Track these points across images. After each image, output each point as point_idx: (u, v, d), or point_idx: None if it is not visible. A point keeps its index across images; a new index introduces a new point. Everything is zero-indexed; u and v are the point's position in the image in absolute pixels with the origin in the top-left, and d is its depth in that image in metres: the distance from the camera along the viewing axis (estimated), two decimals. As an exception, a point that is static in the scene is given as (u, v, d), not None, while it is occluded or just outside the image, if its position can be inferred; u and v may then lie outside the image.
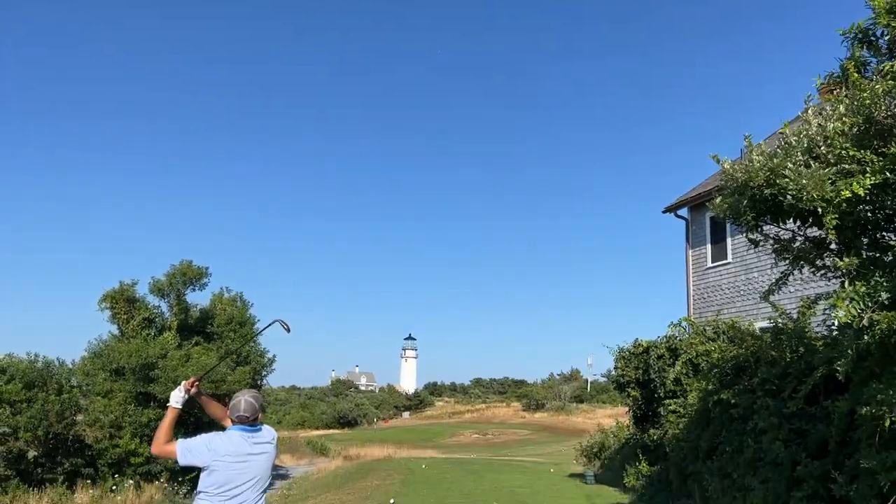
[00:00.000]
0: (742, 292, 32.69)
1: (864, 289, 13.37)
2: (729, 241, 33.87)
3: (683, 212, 36.82)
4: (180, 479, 39.83)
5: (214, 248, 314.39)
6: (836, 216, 13.94)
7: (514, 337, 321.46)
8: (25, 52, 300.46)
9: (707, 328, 26.73)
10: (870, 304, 13.32)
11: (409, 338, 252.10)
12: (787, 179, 14.14)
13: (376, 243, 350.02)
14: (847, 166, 13.95)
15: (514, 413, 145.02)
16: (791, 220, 15.06)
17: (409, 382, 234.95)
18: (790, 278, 15.92)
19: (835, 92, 15.24)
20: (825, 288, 22.04)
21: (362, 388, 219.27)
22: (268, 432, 10.96)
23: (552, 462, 45.52)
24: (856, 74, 14.74)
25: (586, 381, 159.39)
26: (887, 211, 14.28)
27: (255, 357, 54.05)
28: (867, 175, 13.77)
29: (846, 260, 14.13)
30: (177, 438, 10.44)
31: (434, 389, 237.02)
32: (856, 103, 14.10)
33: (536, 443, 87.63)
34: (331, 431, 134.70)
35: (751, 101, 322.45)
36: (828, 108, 14.77)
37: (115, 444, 40.55)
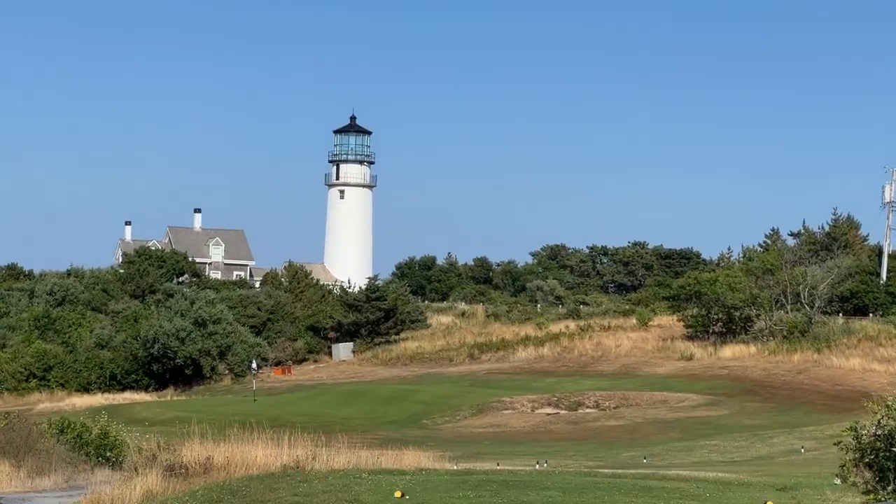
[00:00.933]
0: None
1: None
2: None
3: None
4: None
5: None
6: None
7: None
8: None
9: None
10: None
11: (353, 129, 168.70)
12: None
13: None
14: None
15: (661, 346, 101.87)
16: None
17: (351, 259, 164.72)
18: None
19: None
20: None
21: (215, 273, 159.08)
22: None
23: (767, 482, 23.88)
24: None
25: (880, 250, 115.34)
26: None
27: None
28: None
29: None
30: None
31: (427, 277, 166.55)
32: None
33: (724, 429, 60.31)
34: (137, 396, 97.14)
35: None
36: None
37: None
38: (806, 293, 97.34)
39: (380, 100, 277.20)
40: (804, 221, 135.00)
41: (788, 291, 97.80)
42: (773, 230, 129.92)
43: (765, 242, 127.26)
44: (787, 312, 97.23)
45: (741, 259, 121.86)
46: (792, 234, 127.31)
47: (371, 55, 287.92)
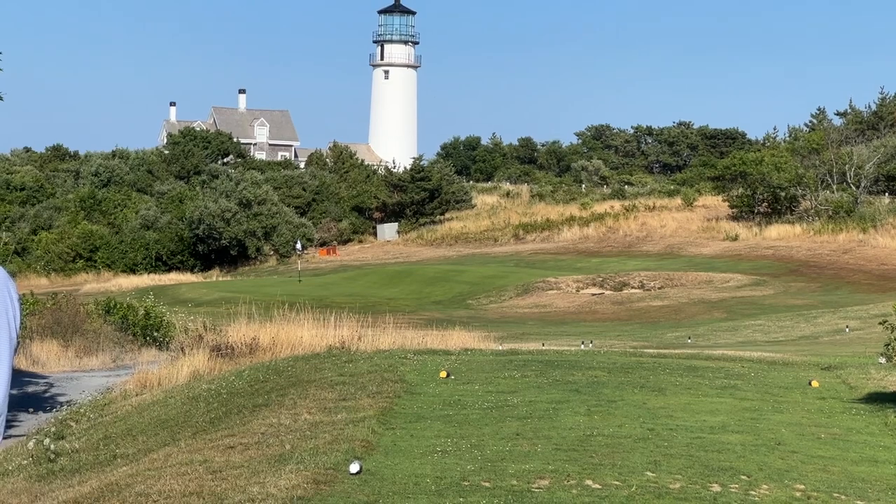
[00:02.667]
0: None
1: None
2: None
3: None
4: None
5: None
6: None
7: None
8: None
9: None
10: None
11: (397, 9, 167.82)
12: None
13: None
14: None
15: (706, 226, 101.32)
16: None
17: (396, 139, 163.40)
18: None
19: None
20: None
21: (260, 154, 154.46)
22: None
23: (812, 361, 23.58)
24: None
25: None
26: None
27: None
28: None
29: None
30: None
31: (471, 157, 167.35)
32: None
33: (769, 309, 60.10)
34: (183, 277, 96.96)
35: None
36: None
37: None
38: (852, 173, 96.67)
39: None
40: (851, 100, 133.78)
41: (834, 171, 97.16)
42: (819, 109, 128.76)
43: (811, 122, 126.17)
44: (833, 192, 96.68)
45: (787, 139, 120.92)
46: (838, 114, 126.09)
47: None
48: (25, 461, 18.45)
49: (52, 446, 18.88)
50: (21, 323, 3.67)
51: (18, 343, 3.67)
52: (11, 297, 3.65)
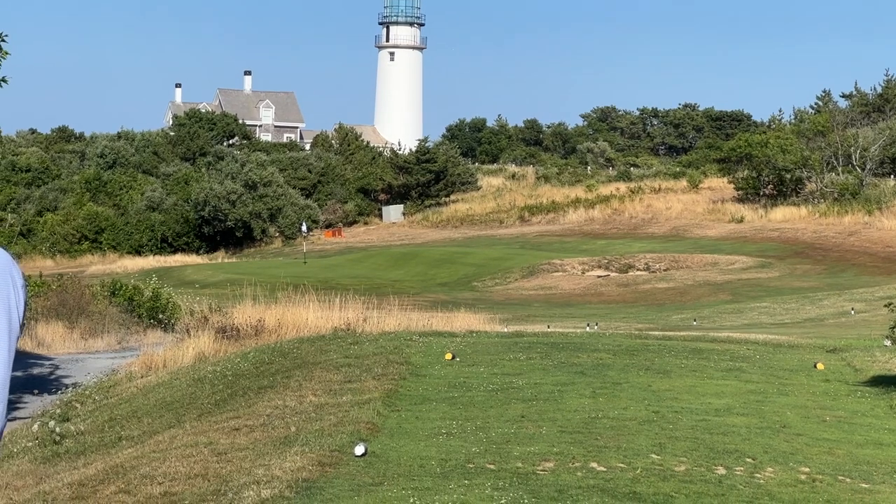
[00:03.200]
0: None
1: None
2: None
3: None
4: None
5: None
6: None
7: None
8: None
9: None
10: None
11: None
12: None
13: None
14: None
15: (711, 208, 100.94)
16: None
17: (401, 121, 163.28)
18: None
19: None
20: None
21: (265, 136, 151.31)
22: None
23: (817, 344, 23.66)
24: None
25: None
26: None
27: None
28: None
29: None
30: None
31: (477, 138, 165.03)
32: None
33: (774, 291, 59.67)
34: (188, 258, 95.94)
35: None
36: None
37: None
38: (857, 155, 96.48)
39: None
40: (856, 83, 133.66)
41: (840, 153, 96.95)
42: (824, 91, 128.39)
43: (816, 104, 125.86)
44: (839, 174, 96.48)
45: (792, 121, 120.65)
46: (844, 96, 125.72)
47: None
48: (30, 443, 18.47)
49: (58, 428, 18.90)
50: (27, 305, 3.64)
51: (24, 326, 3.63)
52: (14, 281, 3.60)
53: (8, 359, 3.49)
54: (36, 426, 19.86)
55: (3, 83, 26.12)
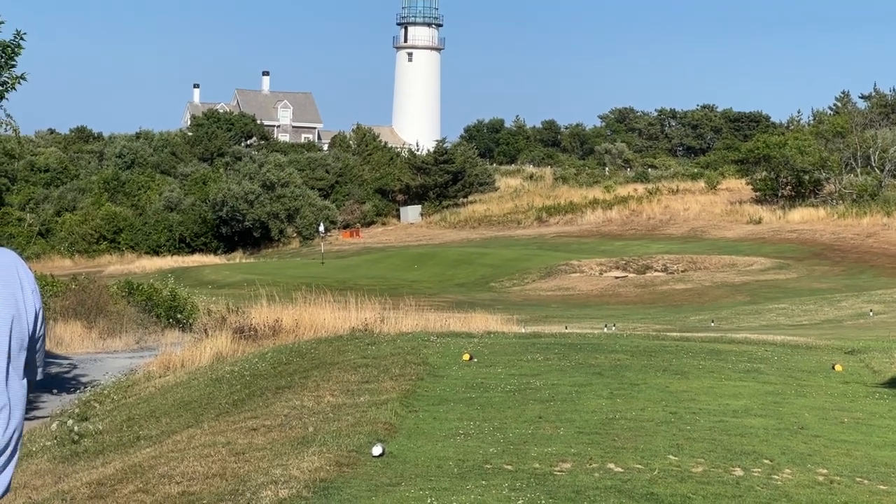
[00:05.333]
0: None
1: None
2: None
3: None
4: None
5: None
6: None
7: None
8: None
9: None
10: None
11: None
12: None
13: None
14: None
15: (729, 210, 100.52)
16: None
17: (419, 122, 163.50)
18: None
19: None
20: None
21: (283, 136, 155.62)
22: None
23: (835, 345, 23.55)
24: None
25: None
26: None
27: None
28: None
29: None
30: None
31: (495, 139, 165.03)
32: None
33: (792, 292, 59.32)
34: (206, 258, 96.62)
35: None
36: None
37: None
38: (876, 156, 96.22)
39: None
40: (875, 84, 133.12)
41: (858, 154, 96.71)
42: (843, 93, 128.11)
43: (835, 105, 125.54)
44: (857, 176, 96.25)
45: (811, 122, 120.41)
46: (863, 97, 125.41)
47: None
48: (49, 442, 18.51)
49: (76, 427, 18.95)
50: (43, 306, 3.61)
51: (36, 330, 3.59)
52: (21, 282, 3.57)
53: (17, 362, 3.45)
54: (55, 425, 19.92)
55: (21, 81, 26.18)
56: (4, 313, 3.45)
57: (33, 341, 3.53)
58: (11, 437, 3.47)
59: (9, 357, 3.45)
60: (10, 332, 3.45)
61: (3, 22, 25.96)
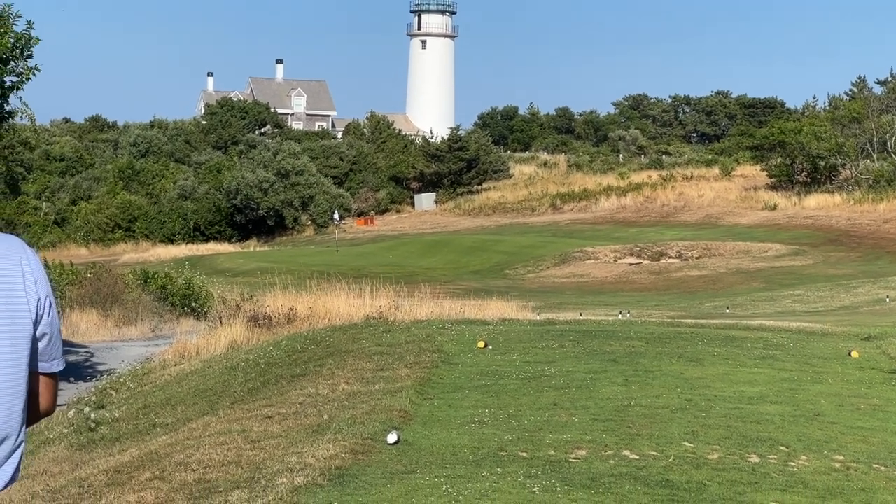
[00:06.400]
0: None
1: None
2: None
3: None
4: None
5: None
6: None
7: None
8: None
9: None
10: None
11: None
12: None
13: None
14: None
15: (744, 196, 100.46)
16: None
17: (433, 109, 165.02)
18: None
19: None
20: None
21: (297, 124, 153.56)
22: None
23: (851, 332, 23.37)
24: None
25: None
26: None
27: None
28: None
29: None
30: None
31: (509, 126, 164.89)
32: None
33: (808, 279, 59.20)
34: (221, 247, 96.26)
35: None
36: None
37: None
38: (893, 141, 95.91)
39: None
40: (892, 69, 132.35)
41: (875, 140, 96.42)
42: (859, 78, 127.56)
43: (851, 90, 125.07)
44: (874, 161, 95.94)
45: (826, 108, 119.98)
46: (879, 82, 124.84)
47: None
48: (66, 430, 18.57)
49: (93, 415, 19.00)
50: (50, 294, 3.58)
51: (39, 318, 3.55)
52: (24, 272, 3.54)
53: (12, 353, 3.43)
54: (72, 413, 19.98)
55: (35, 72, 26.23)
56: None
57: (36, 328, 3.51)
58: (12, 429, 3.46)
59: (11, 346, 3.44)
60: (4, 320, 3.43)
61: (20, 16, 25.99)
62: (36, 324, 3.50)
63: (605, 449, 11.62)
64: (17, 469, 3.50)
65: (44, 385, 3.63)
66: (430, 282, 45.23)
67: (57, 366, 3.64)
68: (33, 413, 3.62)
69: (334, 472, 10.59)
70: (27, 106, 26.98)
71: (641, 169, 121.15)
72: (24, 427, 3.52)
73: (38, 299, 3.49)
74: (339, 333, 22.44)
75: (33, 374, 3.55)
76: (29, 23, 26.02)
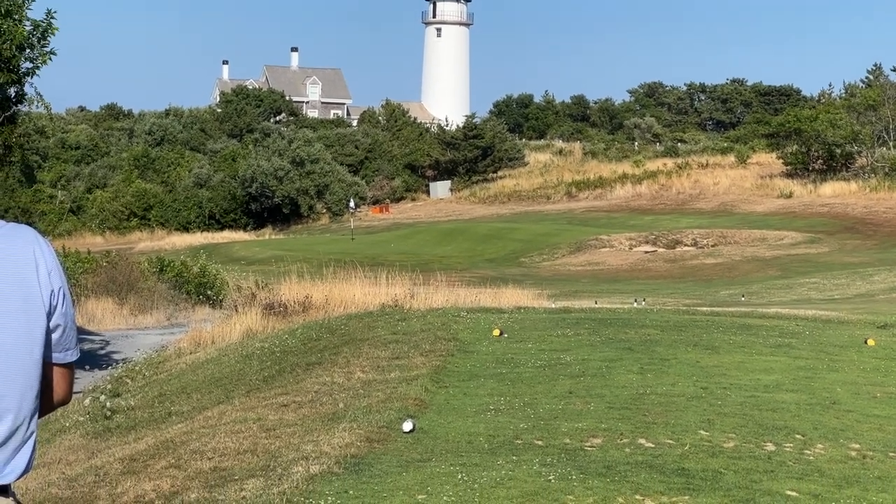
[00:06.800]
0: None
1: None
2: None
3: None
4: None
5: None
6: None
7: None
8: None
9: None
10: None
11: None
12: None
13: None
14: None
15: (759, 184, 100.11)
16: None
17: (448, 97, 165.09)
18: None
19: None
20: None
21: (312, 112, 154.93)
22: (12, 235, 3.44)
23: (867, 320, 23.47)
24: None
25: None
26: None
27: None
28: None
29: None
30: None
31: (524, 114, 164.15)
32: None
33: (824, 267, 58.94)
34: (236, 235, 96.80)
35: None
36: None
37: None
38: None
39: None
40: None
41: (891, 127, 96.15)
42: (875, 65, 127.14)
43: (867, 78, 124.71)
44: (890, 149, 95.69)
45: (842, 95, 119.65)
46: (895, 69, 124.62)
47: None
48: (82, 418, 18.61)
49: (108, 403, 19.03)
50: (64, 285, 3.57)
51: (53, 309, 3.54)
52: (37, 264, 3.52)
53: (25, 344, 3.43)
54: (87, 401, 20.02)
55: (51, 56, 26.26)
56: (8, 292, 3.43)
57: (50, 320, 3.50)
58: (24, 419, 3.46)
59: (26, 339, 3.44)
60: (17, 311, 3.42)
61: (31, 9, 26.01)
62: (49, 315, 3.49)
63: (620, 437, 11.62)
64: (31, 458, 3.50)
65: (59, 375, 3.63)
66: (445, 270, 45.24)
67: (71, 356, 3.63)
68: (47, 403, 3.62)
69: (350, 461, 10.59)
70: (40, 95, 27.00)
71: (657, 157, 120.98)
72: (36, 417, 3.52)
73: (52, 291, 3.48)
74: (355, 321, 22.45)
75: (47, 365, 3.55)
76: (49, 12, 26.06)
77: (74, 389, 3.79)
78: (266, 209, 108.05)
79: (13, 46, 25.42)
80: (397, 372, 15.90)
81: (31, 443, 3.49)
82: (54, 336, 3.53)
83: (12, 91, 26.52)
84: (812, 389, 14.84)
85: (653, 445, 11.32)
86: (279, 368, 18.66)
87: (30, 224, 3.70)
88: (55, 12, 26.05)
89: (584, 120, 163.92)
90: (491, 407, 13.33)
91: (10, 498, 3.48)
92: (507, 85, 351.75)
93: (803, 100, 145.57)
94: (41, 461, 14.58)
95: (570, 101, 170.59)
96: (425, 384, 14.67)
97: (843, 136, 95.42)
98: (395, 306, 24.74)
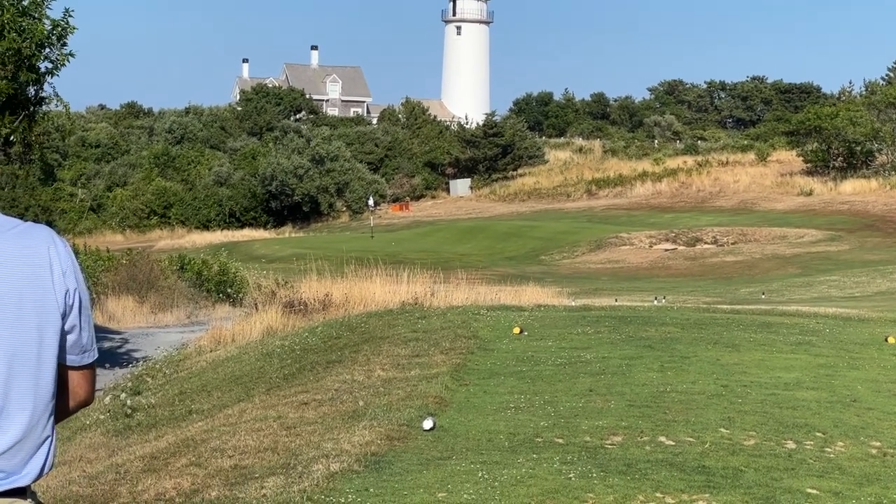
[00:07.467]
0: None
1: None
2: None
3: None
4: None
5: None
6: None
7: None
8: None
9: None
10: None
11: None
12: None
13: None
14: None
15: (780, 181, 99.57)
16: None
17: (468, 95, 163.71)
18: None
19: None
20: None
21: (332, 110, 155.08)
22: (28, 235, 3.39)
23: (888, 317, 23.32)
24: None
25: None
26: None
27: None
28: None
29: None
30: None
31: (544, 112, 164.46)
32: None
33: (844, 264, 58.89)
34: (256, 233, 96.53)
35: None
36: None
37: None
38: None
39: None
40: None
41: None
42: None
43: (888, 75, 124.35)
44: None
45: (863, 93, 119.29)
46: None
47: None
48: (103, 416, 18.65)
49: (129, 401, 19.08)
50: (80, 286, 3.55)
51: (67, 310, 3.53)
52: (51, 265, 3.50)
53: (39, 346, 3.40)
54: (108, 399, 20.07)
55: (70, 57, 26.33)
56: (23, 292, 3.40)
57: (65, 321, 3.47)
58: (38, 422, 3.45)
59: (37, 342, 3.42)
60: (31, 312, 3.40)
61: (51, 7, 26.09)
62: (65, 316, 3.47)
63: (640, 435, 11.61)
64: (46, 462, 3.48)
65: (80, 377, 3.60)
66: (465, 268, 45.25)
67: (89, 357, 3.60)
68: (64, 407, 3.60)
69: (370, 459, 10.61)
70: (58, 96, 27.05)
71: (677, 154, 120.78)
72: (52, 419, 3.50)
73: (67, 291, 3.45)
74: (375, 319, 22.45)
75: (63, 367, 3.54)
76: (67, 10, 26.13)
77: (96, 387, 3.77)
78: (286, 207, 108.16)
79: (33, 45, 25.51)
80: (417, 370, 15.91)
81: (47, 445, 3.46)
82: (70, 337, 3.50)
83: (32, 91, 26.61)
84: (832, 387, 14.81)
85: (673, 443, 11.31)
86: (299, 366, 18.69)
87: (49, 223, 3.72)
88: (73, 11, 26.12)
89: (604, 118, 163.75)
90: (511, 405, 13.33)
91: (29, 500, 3.46)
92: (526, 83, 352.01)
93: (823, 97, 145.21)
94: (62, 459, 14.62)
95: (590, 98, 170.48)
96: (445, 382, 14.67)
97: (863, 133, 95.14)
98: (416, 304, 24.73)
